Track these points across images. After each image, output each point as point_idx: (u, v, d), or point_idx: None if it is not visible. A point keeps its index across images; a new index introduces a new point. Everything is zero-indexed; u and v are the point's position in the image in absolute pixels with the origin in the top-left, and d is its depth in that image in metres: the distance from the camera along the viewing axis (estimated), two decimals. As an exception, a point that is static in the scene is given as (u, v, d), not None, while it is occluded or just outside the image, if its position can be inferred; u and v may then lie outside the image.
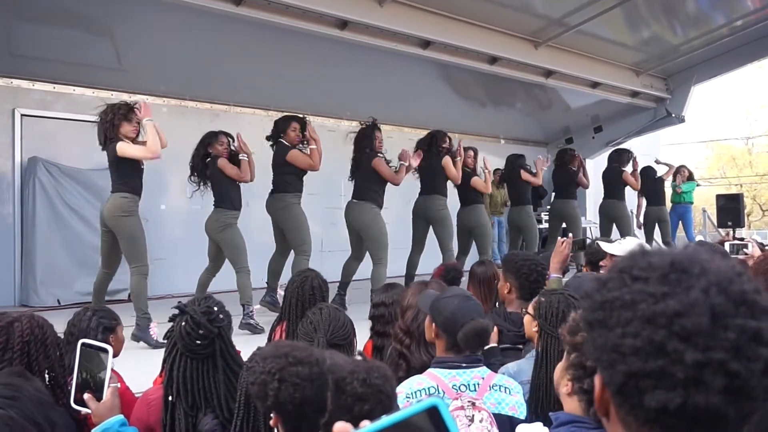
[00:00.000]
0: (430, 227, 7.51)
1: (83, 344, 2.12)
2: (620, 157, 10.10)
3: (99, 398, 2.06)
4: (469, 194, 7.97)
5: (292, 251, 6.41)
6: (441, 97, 10.34)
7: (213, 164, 6.09)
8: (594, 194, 12.16)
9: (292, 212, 6.41)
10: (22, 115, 7.52)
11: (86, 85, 7.94)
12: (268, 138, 6.69)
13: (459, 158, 7.60)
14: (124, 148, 5.31)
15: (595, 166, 12.73)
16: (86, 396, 2.05)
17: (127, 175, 5.42)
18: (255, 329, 5.65)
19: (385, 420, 0.76)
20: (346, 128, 9.97)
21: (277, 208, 6.48)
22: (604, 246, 4.45)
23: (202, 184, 6.24)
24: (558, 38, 9.07)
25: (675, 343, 0.79)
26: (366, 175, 6.85)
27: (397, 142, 10.18)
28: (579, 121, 12.63)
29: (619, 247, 4.29)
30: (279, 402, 1.74)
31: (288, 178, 6.44)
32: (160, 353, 2.49)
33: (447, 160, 7.38)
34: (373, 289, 6.55)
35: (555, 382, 1.90)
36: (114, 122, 5.36)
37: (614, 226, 9.87)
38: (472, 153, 8.15)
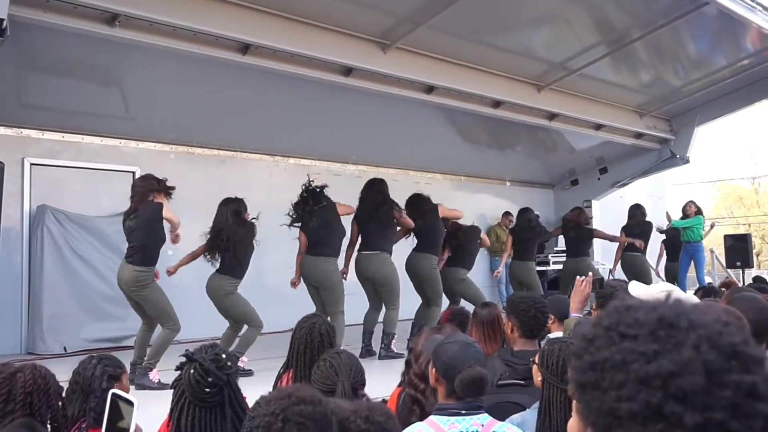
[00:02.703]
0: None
1: (113, 395, 2.13)
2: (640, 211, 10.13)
3: None
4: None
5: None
6: (446, 141, 10.41)
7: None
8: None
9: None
10: (31, 164, 7.60)
11: (94, 133, 8.03)
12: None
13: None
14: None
15: (602, 206, 12.76)
16: None
17: (150, 246, 5.58)
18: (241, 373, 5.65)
19: None
20: (352, 172, 10.09)
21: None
22: (633, 288, 4.24)
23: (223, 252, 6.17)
24: (560, 81, 9.16)
25: (672, 405, 0.77)
26: (381, 226, 6.86)
27: (403, 185, 10.22)
28: (584, 163, 12.67)
29: (647, 290, 4.12)
30: None
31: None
32: (163, 399, 2.46)
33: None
34: (387, 331, 6.68)
35: None
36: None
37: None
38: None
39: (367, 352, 6.68)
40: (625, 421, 0.79)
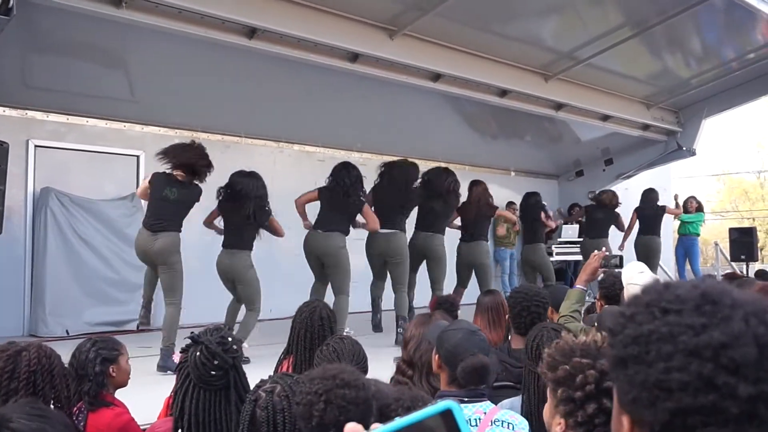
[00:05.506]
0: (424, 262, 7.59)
1: None
2: (654, 195, 10.38)
3: None
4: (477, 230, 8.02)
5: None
6: (451, 130, 10.36)
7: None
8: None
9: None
10: (35, 146, 7.58)
11: (99, 116, 8.00)
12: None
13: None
14: None
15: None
16: None
17: (184, 217, 5.74)
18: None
19: (399, 422, 0.76)
20: (356, 159, 10.03)
21: None
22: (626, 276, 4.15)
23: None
24: (568, 71, 9.10)
25: (725, 376, 0.77)
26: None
27: (408, 173, 10.16)
28: (589, 154, 12.63)
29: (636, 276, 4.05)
30: (323, 423, 1.72)
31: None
32: (165, 383, 2.44)
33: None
34: (400, 314, 6.80)
35: (546, 423, 1.81)
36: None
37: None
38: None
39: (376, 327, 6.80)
40: (675, 392, 0.78)
